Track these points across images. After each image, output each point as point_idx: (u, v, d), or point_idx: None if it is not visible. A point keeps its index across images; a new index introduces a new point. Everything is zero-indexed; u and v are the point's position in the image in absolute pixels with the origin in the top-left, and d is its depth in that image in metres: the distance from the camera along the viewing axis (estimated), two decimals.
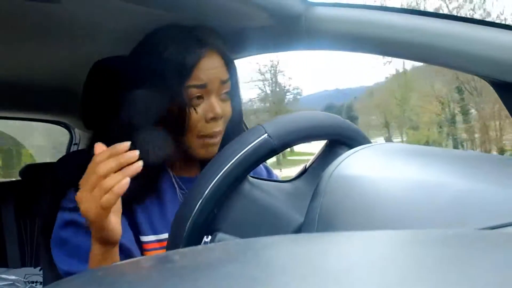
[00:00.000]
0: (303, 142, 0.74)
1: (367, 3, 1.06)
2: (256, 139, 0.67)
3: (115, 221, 0.80)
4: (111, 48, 1.25)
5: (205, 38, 0.99)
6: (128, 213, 0.97)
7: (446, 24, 0.90)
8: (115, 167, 0.75)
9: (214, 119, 0.97)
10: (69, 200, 0.97)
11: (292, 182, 0.78)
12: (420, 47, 0.93)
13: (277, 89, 25.12)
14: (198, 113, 0.96)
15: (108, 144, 0.79)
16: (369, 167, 0.55)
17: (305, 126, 0.73)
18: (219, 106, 0.97)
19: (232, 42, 1.30)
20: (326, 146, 0.80)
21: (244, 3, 1.09)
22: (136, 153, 0.76)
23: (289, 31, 1.14)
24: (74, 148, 2.43)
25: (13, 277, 1.76)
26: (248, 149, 0.66)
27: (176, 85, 0.95)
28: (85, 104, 1.22)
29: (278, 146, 0.68)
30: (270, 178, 1.18)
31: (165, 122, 0.97)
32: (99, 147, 0.79)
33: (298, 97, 26.19)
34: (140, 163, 0.76)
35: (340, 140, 0.78)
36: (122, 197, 0.77)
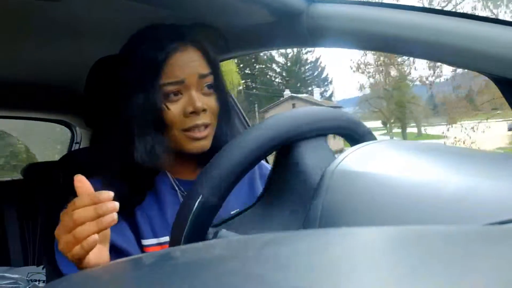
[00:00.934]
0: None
1: (369, 0, 1.06)
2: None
3: (97, 256, 0.76)
4: (112, 46, 1.24)
5: (180, 34, 0.98)
6: (128, 217, 0.97)
7: (448, 20, 0.90)
8: (90, 217, 0.72)
9: (194, 113, 0.95)
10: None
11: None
12: (422, 44, 0.93)
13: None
14: (176, 108, 0.95)
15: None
16: (372, 163, 0.55)
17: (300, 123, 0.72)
18: (200, 100, 0.96)
19: (234, 40, 1.30)
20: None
21: (245, 1, 1.09)
22: (116, 204, 0.72)
23: (290, 29, 1.14)
24: (75, 146, 2.44)
25: (16, 276, 1.77)
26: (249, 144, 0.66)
27: (149, 83, 0.95)
28: (87, 102, 1.22)
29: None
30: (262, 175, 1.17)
31: (147, 121, 0.96)
32: (79, 181, 0.76)
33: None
34: (114, 216, 0.72)
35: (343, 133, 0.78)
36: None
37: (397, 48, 0.99)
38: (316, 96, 35.09)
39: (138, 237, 0.97)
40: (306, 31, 1.10)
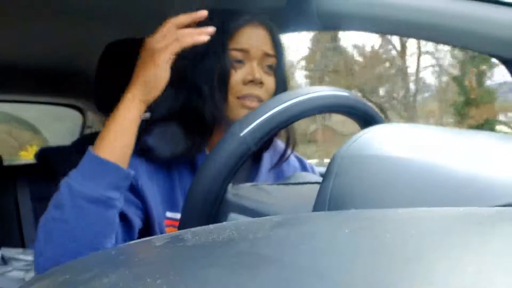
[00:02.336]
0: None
1: None
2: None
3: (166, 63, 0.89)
4: (123, 30, 1.25)
5: (252, 13, 1.03)
6: (169, 190, 1.00)
7: (458, 3, 0.89)
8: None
9: (252, 82, 0.98)
10: None
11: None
12: (431, 27, 0.92)
13: None
14: (237, 75, 0.99)
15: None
16: (381, 147, 0.55)
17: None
18: (260, 73, 0.99)
19: None
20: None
21: None
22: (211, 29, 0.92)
23: (300, 12, 1.14)
24: (87, 131, 2.45)
25: (29, 258, 1.79)
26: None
27: (220, 46, 0.99)
28: (98, 86, 1.23)
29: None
30: (304, 170, 1.19)
31: (213, 82, 0.99)
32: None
33: None
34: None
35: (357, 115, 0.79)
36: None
37: (407, 31, 0.99)
38: None
39: (171, 209, 1.00)
40: (316, 15, 1.10)
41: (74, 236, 0.81)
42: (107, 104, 1.25)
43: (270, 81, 1.02)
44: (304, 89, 0.74)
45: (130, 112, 0.89)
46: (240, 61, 1.00)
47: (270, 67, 1.03)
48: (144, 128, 0.99)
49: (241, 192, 0.72)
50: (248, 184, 0.78)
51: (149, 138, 1.00)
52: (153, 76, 0.89)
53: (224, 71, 0.98)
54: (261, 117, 0.68)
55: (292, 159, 1.20)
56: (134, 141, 0.88)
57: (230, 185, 0.70)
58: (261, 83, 0.99)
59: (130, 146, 0.88)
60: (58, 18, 1.28)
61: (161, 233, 0.95)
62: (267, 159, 1.14)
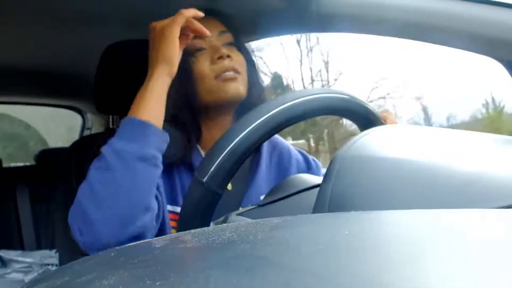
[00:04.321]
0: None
1: None
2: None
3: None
4: (122, 32, 1.25)
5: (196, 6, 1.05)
6: (170, 187, 1.02)
7: (460, 5, 0.89)
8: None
9: (221, 58, 1.01)
10: None
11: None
12: (432, 29, 0.92)
13: None
14: (203, 59, 1.02)
15: None
16: (381, 148, 0.55)
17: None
18: (224, 49, 1.01)
19: (243, 25, 1.30)
20: None
21: None
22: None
23: (300, 14, 1.14)
24: (86, 132, 2.45)
25: (29, 260, 1.79)
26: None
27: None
28: (98, 88, 1.23)
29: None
30: (309, 169, 1.18)
31: (181, 81, 1.00)
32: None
33: None
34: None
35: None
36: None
37: (407, 33, 0.99)
38: None
39: (171, 202, 1.01)
40: (315, 17, 1.10)
41: (127, 197, 0.83)
42: (107, 105, 1.26)
43: (236, 55, 1.04)
44: (295, 92, 0.72)
45: (158, 85, 0.93)
46: (201, 49, 1.03)
47: (230, 44, 1.05)
48: None
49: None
50: (233, 213, 0.76)
51: None
52: (166, 50, 0.94)
53: (187, 63, 1.01)
54: (218, 157, 0.65)
55: (295, 153, 1.19)
56: (164, 111, 0.93)
57: (212, 223, 0.70)
58: (228, 56, 1.01)
59: (162, 115, 0.92)
60: (57, 21, 1.28)
61: (165, 222, 0.97)
62: (266, 153, 1.14)
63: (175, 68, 0.94)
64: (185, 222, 0.67)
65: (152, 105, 0.91)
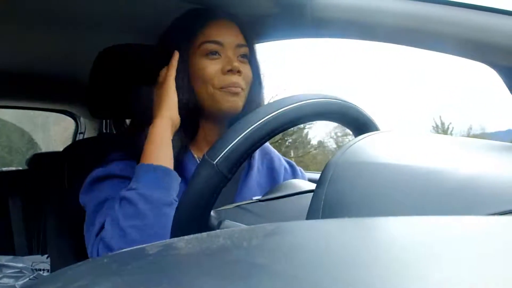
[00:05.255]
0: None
1: None
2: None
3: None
4: (116, 36, 1.24)
5: (216, 10, 1.10)
6: None
7: (453, 11, 0.89)
8: None
9: (231, 71, 1.02)
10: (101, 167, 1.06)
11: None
12: (426, 35, 0.93)
13: None
14: (215, 66, 1.04)
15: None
16: (375, 154, 0.55)
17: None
18: (237, 63, 1.03)
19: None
20: None
21: None
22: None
23: (294, 19, 1.14)
24: (80, 137, 2.44)
25: (20, 265, 1.77)
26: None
27: (189, 43, 1.06)
28: (91, 92, 1.22)
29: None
30: (294, 176, 1.20)
31: (183, 86, 1.05)
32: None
33: None
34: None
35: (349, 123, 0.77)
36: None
37: (402, 40, 0.99)
38: None
39: None
40: (310, 22, 1.10)
41: (156, 236, 0.89)
42: (100, 110, 1.25)
43: (246, 69, 1.07)
44: (288, 97, 0.70)
45: (164, 130, 0.99)
46: (215, 53, 1.04)
47: (244, 56, 1.07)
48: (138, 137, 1.04)
49: (224, 216, 0.71)
50: (232, 205, 0.77)
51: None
52: (165, 95, 1.02)
53: (200, 65, 1.04)
54: (233, 141, 0.64)
55: (283, 161, 1.22)
56: (172, 151, 0.99)
57: (212, 211, 0.69)
58: (239, 71, 1.03)
59: (171, 156, 0.99)
60: (51, 25, 1.28)
61: None
62: (258, 158, 1.16)
63: (175, 113, 1.01)
64: (187, 204, 0.66)
65: (165, 150, 0.97)
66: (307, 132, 10.85)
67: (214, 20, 1.07)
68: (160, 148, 0.97)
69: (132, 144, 1.04)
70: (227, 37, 1.05)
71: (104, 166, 1.04)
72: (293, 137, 10.73)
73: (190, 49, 1.05)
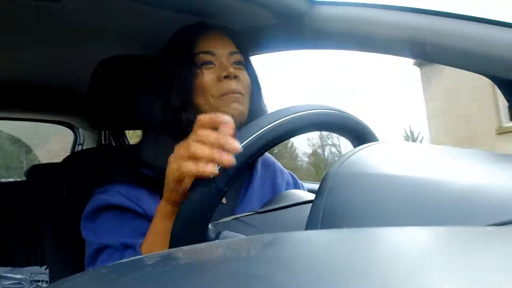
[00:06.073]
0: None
1: (372, 2, 1.06)
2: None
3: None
4: (114, 47, 1.25)
5: (207, 23, 1.10)
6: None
7: (451, 22, 0.89)
8: (211, 142, 0.69)
9: (228, 77, 1.01)
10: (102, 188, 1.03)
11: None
12: (425, 45, 0.93)
13: None
14: (211, 74, 1.03)
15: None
16: (374, 164, 0.55)
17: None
18: (232, 68, 1.02)
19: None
20: None
21: (248, 2, 1.09)
22: (238, 148, 0.67)
23: (293, 30, 1.14)
24: (78, 148, 2.44)
25: (19, 276, 1.77)
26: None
27: (184, 53, 1.04)
28: (90, 103, 1.22)
29: None
30: (296, 187, 1.20)
31: (185, 90, 1.02)
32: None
33: None
34: (233, 161, 0.66)
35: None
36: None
37: (400, 50, 0.99)
38: None
39: None
40: (308, 33, 1.11)
41: None
42: (99, 121, 1.25)
43: (243, 74, 1.06)
44: (288, 108, 0.70)
45: (167, 218, 0.86)
46: (209, 63, 1.04)
47: (239, 63, 1.07)
48: (137, 159, 1.03)
49: (222, 229, 0.71)
50: (229, 218, 0.77)
51: (144, 169, 1.03)
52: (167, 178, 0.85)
53: (195, 74, 1.02)
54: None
55: (286, 174, 1.22)
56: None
57: (210, 224, 0.69)
58: (236, 76, 1.02)
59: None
60: (49, 36, 1.28)
61: None
62: (261, 169, 1.15)
63: (177, 196, 0.88)
64: (184, 217, 0.66)
65: (163, 238, 0.88)
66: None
67: (205, 32, 1.07)
68: (162, 238, 0.85)
69: (133, 161, 1.04)
70: (219, 46, 1.05)
71: (105, 189, 1.01)
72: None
73: (186, 63, 1.04)
